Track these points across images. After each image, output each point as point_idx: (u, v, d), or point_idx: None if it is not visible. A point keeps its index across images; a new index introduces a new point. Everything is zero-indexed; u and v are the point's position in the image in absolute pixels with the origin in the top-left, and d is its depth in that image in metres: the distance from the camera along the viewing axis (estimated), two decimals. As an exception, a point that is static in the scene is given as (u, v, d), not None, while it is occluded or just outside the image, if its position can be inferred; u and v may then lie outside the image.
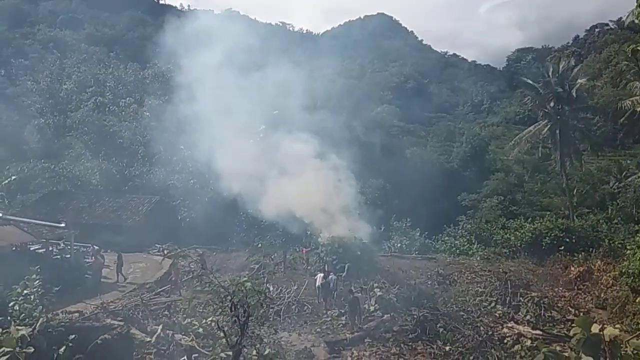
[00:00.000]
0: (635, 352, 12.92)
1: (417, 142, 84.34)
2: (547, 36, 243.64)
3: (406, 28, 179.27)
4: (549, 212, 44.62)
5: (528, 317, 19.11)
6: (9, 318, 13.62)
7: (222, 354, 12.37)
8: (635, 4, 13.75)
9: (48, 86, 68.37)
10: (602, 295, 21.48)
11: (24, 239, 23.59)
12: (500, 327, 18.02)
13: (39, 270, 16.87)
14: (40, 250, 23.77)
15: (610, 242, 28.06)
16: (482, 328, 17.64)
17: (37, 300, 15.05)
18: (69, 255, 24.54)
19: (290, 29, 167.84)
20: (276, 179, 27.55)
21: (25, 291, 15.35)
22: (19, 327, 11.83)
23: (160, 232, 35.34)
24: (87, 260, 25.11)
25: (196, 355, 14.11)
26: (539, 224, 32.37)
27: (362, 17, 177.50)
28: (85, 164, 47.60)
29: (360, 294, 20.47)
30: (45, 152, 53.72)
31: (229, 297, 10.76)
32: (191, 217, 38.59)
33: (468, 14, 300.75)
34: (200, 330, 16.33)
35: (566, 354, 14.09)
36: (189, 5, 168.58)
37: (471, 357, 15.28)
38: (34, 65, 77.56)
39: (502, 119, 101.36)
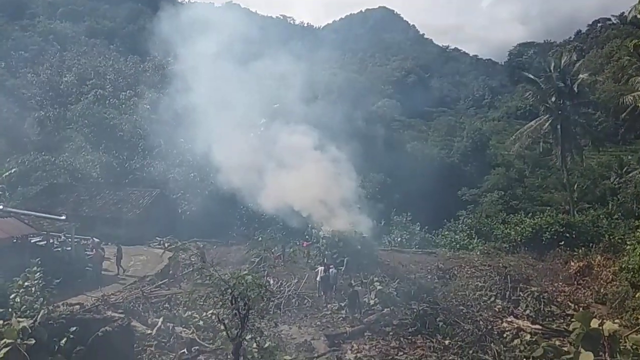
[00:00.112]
0: (634, 347, 12.96)
1: (418, 137, 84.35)
2: (550, 31, 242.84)
3: (407, 21, 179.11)
4: (549, 207, 44.77)
5: (528, 311, 19.10)
6: (10, 310, 13.64)
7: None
8: (639, -2, 13.65)
9: (48, 78, 68.29)
10: (601, 290, 21.47)
11: (25, 231, 23.58)
12: (500, 321, 18.02)
13: (39, 262, 16.87)
14: (41, 243, 23.77)
15: (611, 237, 28.02)
16: (481, 322, 17.64)
17: (38, 293, 15.07)
18: (69, 248, 24.59)
19: (291, 22, 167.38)
20: (276, 172, 27.53)
21: (26, 283, 15.36)
22: (20, 319, 11.84)
23: (161, 225, 35.40)
24: (88, 252, 25.15)
25: (196, 347, 14.14)
26: (540, 219, 32.40)
27: (363, 10, 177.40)
28: (85, 156, 47.61)
29: (360, 288, 20.51)
30: (45, 144, 53.72)
31: (230, 290, 10.77)
32: (191, 210, 38.61)
33: (470, 8, 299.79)
34: (201, 323, 16.39)
35: (565, 349, 14.15)
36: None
37: (470, 351, 15.28)
38: (34, 58, 77.36)
39: (503, 114, 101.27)
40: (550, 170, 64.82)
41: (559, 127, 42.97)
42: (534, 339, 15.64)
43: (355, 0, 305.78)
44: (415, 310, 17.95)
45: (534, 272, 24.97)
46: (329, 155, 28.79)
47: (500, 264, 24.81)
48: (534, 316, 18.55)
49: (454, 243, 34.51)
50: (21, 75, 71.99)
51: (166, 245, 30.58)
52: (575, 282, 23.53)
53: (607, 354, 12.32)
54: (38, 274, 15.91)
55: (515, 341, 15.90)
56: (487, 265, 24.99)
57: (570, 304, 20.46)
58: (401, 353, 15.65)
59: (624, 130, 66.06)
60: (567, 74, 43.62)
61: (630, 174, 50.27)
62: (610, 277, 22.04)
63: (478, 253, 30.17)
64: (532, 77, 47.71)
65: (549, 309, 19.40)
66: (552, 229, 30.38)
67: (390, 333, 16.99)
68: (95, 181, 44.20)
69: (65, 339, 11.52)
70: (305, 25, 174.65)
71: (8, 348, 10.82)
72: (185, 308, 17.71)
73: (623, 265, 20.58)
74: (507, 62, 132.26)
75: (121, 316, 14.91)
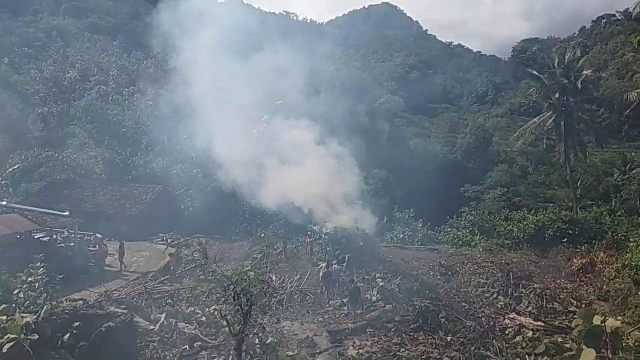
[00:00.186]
0: (637, 344, 12.93)
1: (421, 133, 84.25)
2: (554, 27, 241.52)
3: (411, 18, 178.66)
4: (552, 204, 44.57)
5: (530, 308, 19.12)
6: (14, 305, 13.68)
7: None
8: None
9: (52, 75, 68.31)
10: (604, 287, 21.44)
11: (29, 227, 23.68)
12: (502, 318, 18.03)
13: (43, 258, 16.99)
14: (45, 239, 23.89)
15: (614, 234, 27.97)
16: (484, 319, 17.65)
17: (42, 288, 15.16)
18: (73, 244, 24.71)
19: (295, 18, 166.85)
20: (279, 168, 27.51)
21: (29, 279, 15.46)
22: (24, 315, 11.92)
23: (164, 221, 35.47)
24: (91, 249, 25.25)
25: (199, 343, 14.19)
26: (543, 215, 32.35)
27: (366, 6, 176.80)
28: (89, 152, 47.66)
29: (362, 284, 20.53)
30: (49, 140, 53.81)
31: (232, 287, 10.80)
32: (194, 207, 38.67)
33: (474, 4, 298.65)
34: (204, 319, 16.46)
35: (568, 346, 14.15)
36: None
37: (473, 348, 15.29)
38: (37, 54, 77.45)
39: (506, 110, 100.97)
40: (554, 167, 64.64)
41: (562, 123, 42.80)
42: (536, 336, 15.66)
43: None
44: (417, 307, 17.99)
45: (536, 269, 24.93)
46: (332, 151, 28.75)
47: (503, 261, 24.78)
48: (536, 313, 18.56)
49: (457, 240, 34.49)
50: (25, 72, 72.09)
51: (169, 241, 30.63)
52: (578, 279, 23.50)
53: (609, 351, 12.31)
54: (42, 270, 16.02)
55: (518, 338, 15.93)
56: (489, 262, 24.98)
57: (572, 301, 20.44)
58: (403, 349, 15.67)
59: (628, 127, 65.72)
60: (571, 70, 43.42)
61: (634, 171, 50.12)
62: (613, 274, 21.99)
63: (481, 250, 30.17)
64: (536, 73, 47.55)
65: (552, 306, 19.41)
66: (555, 226, 30.34)
67: (393, 330, 17.03)
68: (99, 177, 44.27)
69: (68, 334, 11.58)
70: (309, 21, 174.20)
71: (12, 343, 10.89)
72: (188, 304, 17.76)
73: (626, 263, 20.55)
74: (511, 58, 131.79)
75: (124, 312, 14.94)
